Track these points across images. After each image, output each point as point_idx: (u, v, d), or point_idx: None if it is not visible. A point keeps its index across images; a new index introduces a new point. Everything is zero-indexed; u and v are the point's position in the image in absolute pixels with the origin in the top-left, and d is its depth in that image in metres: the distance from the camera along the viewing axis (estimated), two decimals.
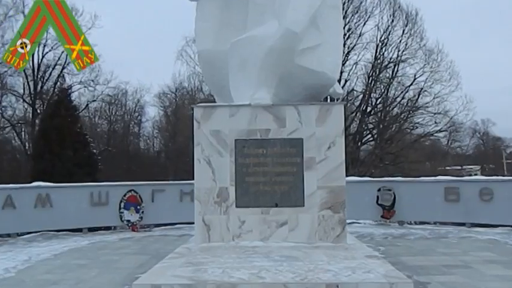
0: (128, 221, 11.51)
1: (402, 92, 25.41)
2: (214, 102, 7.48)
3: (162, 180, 14.55)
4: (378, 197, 11.42)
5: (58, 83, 24.19)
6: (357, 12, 24.32)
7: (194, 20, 7.25)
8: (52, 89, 24.27)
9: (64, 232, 11.08)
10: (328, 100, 7.97)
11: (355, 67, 24.97)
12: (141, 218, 11.59)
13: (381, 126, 25.83)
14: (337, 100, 7.87)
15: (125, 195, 11.55)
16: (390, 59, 24.99)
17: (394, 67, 25.17)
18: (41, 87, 24.68)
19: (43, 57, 23.83)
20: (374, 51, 24.97)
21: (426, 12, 37.52)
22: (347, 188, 6.50)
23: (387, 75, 25.49)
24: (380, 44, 24.81)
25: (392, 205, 11.27)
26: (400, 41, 24.68)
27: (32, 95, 24.26)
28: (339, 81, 15.45)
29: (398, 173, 21.11)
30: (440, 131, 26.11)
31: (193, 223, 6.69)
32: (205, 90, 25.37)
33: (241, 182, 6.47)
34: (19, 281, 6.21)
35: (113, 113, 30.78)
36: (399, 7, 24.88)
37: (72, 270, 6.82)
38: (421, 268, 6.36)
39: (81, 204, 11.34)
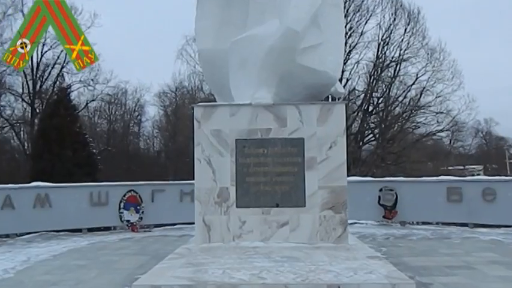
0: (128, 221, 11.48)
1: (404, 91, 25.32)
2: (215, 101, 7.45)
3: (162, 180, 14.49)
4: (379, 197, 11.37)
5: (57, 82, 24.15)
6: (359, 10, 24.22)
7: (194, 18, 7.23)
8: (51, 88, 24.22)
9: (63, 232, 11.04)
10: (330, 99, 7.95)
11: (357, 66, 24.93)
12: (141, 218, 11.56)
13: (383, 125, 25.73)
14: (338, 99, 7.85)
15: (124, 196, 11.52)
16: (392, 58, 24.87)
17: (396, 66, 25.06)
18: (40, 86, 24.62)
19: (42, 56, 23.78)
20: (376, 50, 24.87)
21: (428, 11, 37.43)
22: (348, 188, 6.48)
23: (389, 74, 25.39)
24: (382, 42, 24.70)
25: (394, 205, 11.23)
26: (402, 40, 24.58)
27: (31, 95, 24.20)
28: (340, 80, 15.48)
29: (400, 173, 21.05)
30: (442, 130, 25.99)
31: (193, 223, 6.67)
32: (206, 89, 25.30)
33: (241, 182, 6.45)
34: (18, 282, 6.18)
35: (113, 113, 30.75)
36: (401, 6, 24.79)
37: (71, 270, 6.79)
38: (424, 269, 6.32)
39: (80, 205, 11.31)
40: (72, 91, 23.81)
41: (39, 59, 23.76)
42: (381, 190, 11.38)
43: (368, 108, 25.66)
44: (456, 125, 26.29)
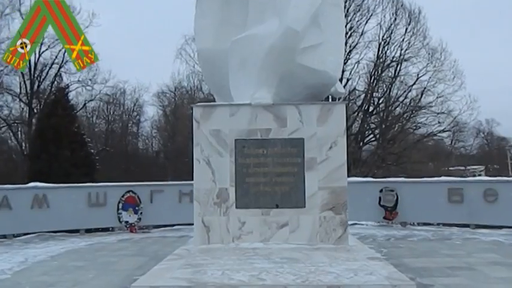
0: (126, 222, 11.43)
1: (405, 91, 25.15)
2: (214, 101, 7.44)
3: (161, 181, 14.41)
4: (380, 197, 11.32)
5: (55, 82, 24.03)
6: (359, 10, 24.05)
7: (193, 18, 7.21)
8: (49, 88, 24.12)
9: (61, 233, 10.99)
10: (330, 99, 7.94)
11: (357, 66, 24.77)
12: (140, 219, 11.51)
13: (383, 126, 25.61)
14: (338, 99, 7.85)
15: (123, 196, 11.47)
16: (393, 57, 24.71)
17: (397, 66, 24.90)
18: (38, 86, 24.50)
19: (40, 55, 23.64)
20: (376, 50, 24.72)
21: (429, 11, 37.30)
22: (349, 188, 6.46)
23: (390, 74, 25.24)
24: (382, 42, 24.56)
25: (395, 206, 11.18)
26: (403, 40, 24.42)
27: (29, 94, 24.08)
28: (341, 80, 15.44)
29: (401, 174, 20.99)
30: (443, 131, 25.81)
31: (192, 224, 6.65)
32: (205, 89, 25.26)
33: (241, 183, 6.43)
34: (15, 283, 6.14)
35: (111, 113, 30.64)
36: (402, 5, 24.64)
37: (69, 272, 6.75)
38: (424, 270, 6.30)
39: (78, 205, 11.25)
40: (70, 91, 23.71)
41: (37, 59, 23.66)
42: (381, 191, 11.33)
43: (368, 108, 25.55)
44: (457, 126, 26.15)
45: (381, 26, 24.48)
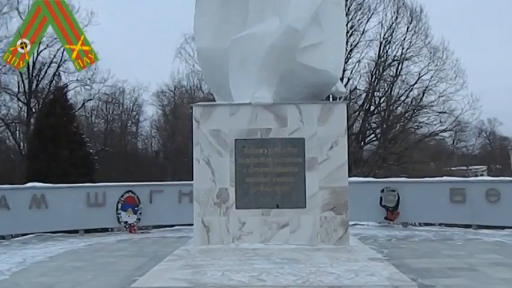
0: (126, 222, 11.38)
1: (406, 90, 25.03)
2: (214, 101, 7.44)
3: (161, 181, 14.39)
4: (381, 198, 11.26)
5: (54, 81, 23.98)
6: (360, 9, 23.95)
7: (193, 16, 7.19)
8: (47, 87, 24.07)
9: (60, 234, 10.94)
10: (331, 99, 7.92)
11: (358, 65, 24.66)
12: (139, 219, 11.46)
13: (385, 125, 25.52)
14: (339, 99, 7.84)
15: (122, 196, 11.42)
16: (394, 56, 24.59)
17: (398, 65, 24.77)
18: (36, 85, 24.45)
19: (38, 54, 23.57)
20: (377, 49, 24.62)
21: (431, 10, 37.05)
22: (350, 188, 6.45)
23: (391, 73, 25.11)
24: (384, 41, 24.44)
25: (396, 206, 11.12)
26: (404, 39, 24.28)
27: (27, 94, 24.03)
28: (342, 79, 15.37)
29: (403, 174, 20.89)
30: (445, 130, 25.69)
31: (192, 225, 6.64)
32: (205, 88, 25.20)
33: (241, 183, 6.41)
34: (13, 284, 6.11)
35: (110, 112, 30.59)
36: (403, 4, 24.51)
37: (68, 272, 6.72)
38: (426, 271, 6.26)
39: (77, 205, 11.19)
40: (69, 90, 23.62)
41: (35, 58, 23.58)
42: (382, 191, 11.28)
43: (369, 107, 25.43)
44: (459, 125, 25.99)
45: (382, 25, 24.42)
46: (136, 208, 11.43)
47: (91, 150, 18.19)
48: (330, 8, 6.52)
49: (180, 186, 11.64)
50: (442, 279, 5.77)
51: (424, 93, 24.71)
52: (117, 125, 31.03)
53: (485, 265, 6.59)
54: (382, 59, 24.64)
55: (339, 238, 6.28)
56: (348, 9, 22.29)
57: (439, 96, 24.44)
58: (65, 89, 20.24)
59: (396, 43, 24.46)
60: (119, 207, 11.37)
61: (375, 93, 25.21)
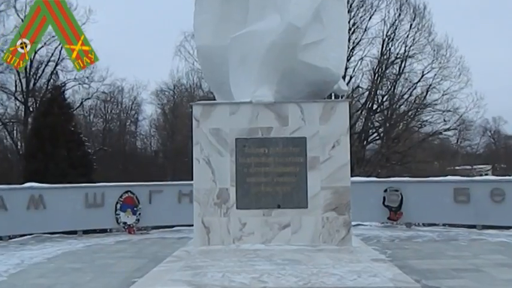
0: (125, 223, 11.34)
1: (409, 88, 24.89)
2: (214, 99, 7.40)
3: (160, 181, 14.36)
4: (384, 198, 11.23)
5: (51, 80, 23.94)
6: (363, 5, 23.85)
7: (193, 14, 7.15)
8: (45, 86, 24.02)
9: (58, 235, 10.92)
10: (333, 97, 7.86)
11: (361, 63, 24.51)
12: (138, 220, 11.42)
13: (388, 124, 25.43)
14: (341, 97, 7.83)
15: (121, 197, 11.38)
16: (397, 54, 24.45)
17: (401, 63, 24.64)
18: (34, 84, 24.39)
19: (36, 53, 23.46)
20: (380, 47, 24.52)
21: (434, 6, 36.87)
22: (352, 188, 6.41)
23: (394, 71, 25.00)
24: (386, 39, 24.35)
25: (400, 206, 11.08)
26: (408, 36, 24.14)
27: (24, 93, 23.97)
28: (344, 77, 15.32)
29: (406, 173, 20.85)
30: (449, 129, 25.59)
31: (192, 225, 6.60)
32: (205, 87, 25.15)
33: (242, 183, 6.36)
34: (11, 285, 6.10)
35: (109, 111, 30.54)
36: (406, 1, 24.34)
37: (66, 274, 6.70)
38: (430, 272, 6.25)
39: (75, 206, 11.16)
40: (67, 89, 23.62)
41: (32, 56, 23.45)
42: (385, 191, 11.24)
43: (372, 106, 25.32)
44: (463, 124, 25.91)
45: (385, 22, 24.29)
46: (135, 208, 11.39)
47: (89, 150, 18.11)
48: (332, 4, 6.49)
49: (180, 186, 11.62)
50: (446, 281, 5.75)
51: (427, 92, 24.59)
52: (115, 124, 30.98)
53: (490, 266, 6.56)
54: (385, 57, 24.53)
55: (341, 239, 6.22)
56: (350, 6, 22.20)
57: (442, 95, 24.34)
58: (63, 88, 20.24)
59: (399, 40, 24.36)
60: (118, 207, 11.34)
61: (378, 91, 25.10)
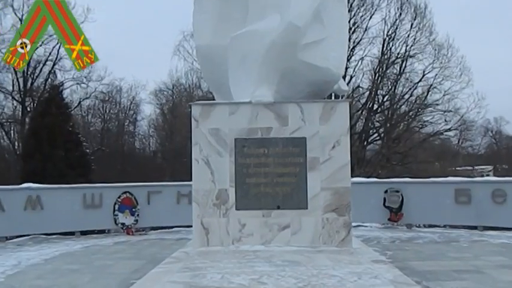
0: (123, 224, 11.32)
1: (410, 88, 24.73)
2: (213, 99, 7.40)
3: (159, 182, 14.29)
4: (384, 198, 11.21)
5: (49, 80, 23.81)
6: (363, 5, 23.69)
7: (192, 13, 7.12)
8: (43, 85, 23.90)
9: (55, 236, 10.89)
10: (333, 97, 7.86)
11: (361, 63, 24.36)
12: (137, 221, 11.39)
13: (388, 124, 25.30)
14: (342, 97, 7.83)
15: (119, 197, 11.36)
16: (398, 54, 24.31)
17: (402, 63, 24.49)
18: (31, 84, 24.29)
19: (33, 52, 23.40)
20: (381, 46, 24.35)
21: (435, 6, 36.82)
22: (352, 189, 6.40)
23: (394, 71, 24.86)
24: (387, 38, 24.19)
25: (400, 207, 11.06)
26: (408, 36, 23.98)
27: (22, 92, 23.88)
28: (344, 77, 15.26)
29: (407, 174, 20.60)
30: (450, 129, 25.43)
31: (191, 226, 6.59)
32: (204, 87, 25.09)
33: (241, 184, 6.35)
34: (8, 287, 6.07)
35: (107, 111, 30.44)
36: (407, 0, 24.27)
37: (64, 275, 6.67)
38: (431, 273, 6.22)
39: (73, 207, 11.14)
40: (65, 89, 23.48)
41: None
42: (386, 191, 11.22)
43: (373, 106, 25.21)
44: (465, 124, 25.76)
45: (385, 22, 24.14)
46: (133, 209, 11.37)
47: (87, 150, 18.03)
48: (332, 4, 6.50)
49: (179, 187, 11.60)
50: (447, 282, 5.73)
51: (428, 92, 24.44)
52: (114, 124, 30.89)
53: (491, 267, 6.54)
54: (386, 57, 24.41)
55: (341, 240, 6.21)
56: (351, 6, 22.11)
57: (443, 95, 24.20)
58: (61, 88, 20.13)
59: (400, 40, 24.20)
60: (116, 208, 11.31)
61: (378, 91, 25.01)
